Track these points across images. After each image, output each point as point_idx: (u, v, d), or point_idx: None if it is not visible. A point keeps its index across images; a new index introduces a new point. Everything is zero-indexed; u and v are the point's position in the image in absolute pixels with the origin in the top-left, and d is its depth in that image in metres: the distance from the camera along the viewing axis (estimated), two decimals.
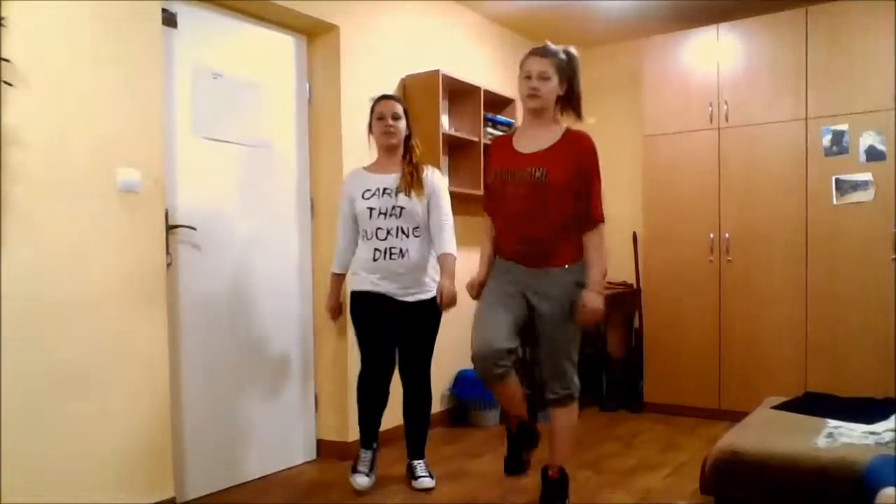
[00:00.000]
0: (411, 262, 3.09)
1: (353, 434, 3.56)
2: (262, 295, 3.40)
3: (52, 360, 2.45)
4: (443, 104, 4.11)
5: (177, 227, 2.99)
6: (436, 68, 4.01)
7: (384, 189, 3.11)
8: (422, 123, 3.71)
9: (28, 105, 2.38)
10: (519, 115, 4.27)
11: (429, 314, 3.15)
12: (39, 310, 2.42)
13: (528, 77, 2.67)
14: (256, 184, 3.40)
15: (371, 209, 3.10)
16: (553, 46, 2.71)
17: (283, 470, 3.48)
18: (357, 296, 3.18)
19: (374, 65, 3.83)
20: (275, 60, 3.52)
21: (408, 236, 3.10)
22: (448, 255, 3.12)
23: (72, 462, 2.50)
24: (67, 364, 2.49)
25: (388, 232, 3.09)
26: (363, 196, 3.12)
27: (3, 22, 2.29)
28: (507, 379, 2.65)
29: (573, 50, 2.75)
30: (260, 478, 3.35)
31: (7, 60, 2.30)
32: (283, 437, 3.51)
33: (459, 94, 4.32)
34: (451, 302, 3.09)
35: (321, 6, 3.50)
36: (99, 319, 2.58)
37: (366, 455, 3.22)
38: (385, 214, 3.09)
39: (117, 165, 2.64)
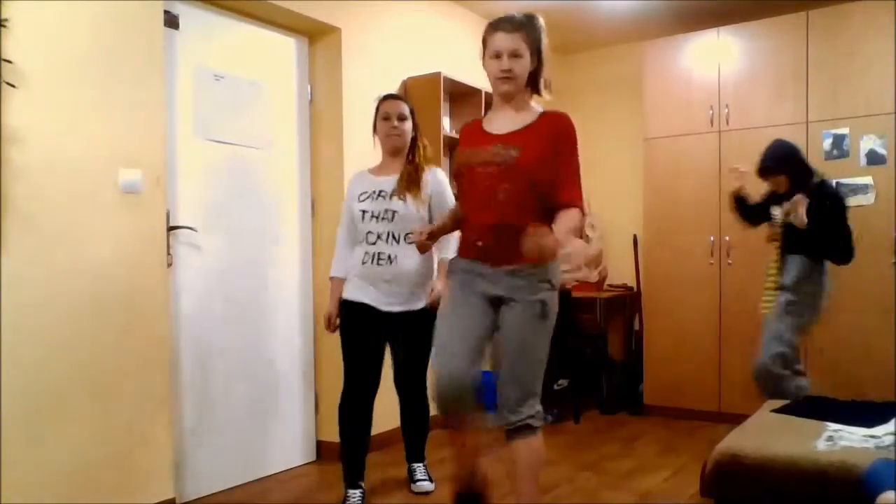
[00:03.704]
0: (399, 270, 2.90)
1: None
2: (262, 296, 3.41)
3: (53, 360, 2.45)
4: (444, 106, 4.12)
5: (178, 227, 2.99)
6: (437, 70, 4.02)
7: (379, 192, 2.96)
8: (423, 125, 3.68)
9: (29, 105, 2.38)
10: None
11: (419, 326, 2.90)
12: (39, 310, 2.42)
13: (498, 56, 2.27)
14: (257, 185, 3.40)
15: (364, 212, 2.96)
16: (518, 15, 2.30)
17: (283, 471, 3.48)
18: (344, 305, 3.00)
19: (375, 67, 3.84)
20: (276, 62, 3.53)
21: (398, 242, 2.91)
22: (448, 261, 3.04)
23: (72, 462, 2.50)
24: (67, 364, 2.49)
25: (378, 236, 2.93)
26: (359, 198, 3.00)
27: (4, 23, 2.29)
28: (472, 419, 2.30)
29: (535, 14, 2.34)
30: (260, 478, 3.35)
31: (9, 61, 2.31)
32: (283, 438, 3.51)
33: (460, 95, 4.33)
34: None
35: (323, 8, 3.51)
36: (99, 319, 2.58)
37: (353, 495, 2.96)
38: (377, 218, 2.94)
39: (119, 166, 2.65)
